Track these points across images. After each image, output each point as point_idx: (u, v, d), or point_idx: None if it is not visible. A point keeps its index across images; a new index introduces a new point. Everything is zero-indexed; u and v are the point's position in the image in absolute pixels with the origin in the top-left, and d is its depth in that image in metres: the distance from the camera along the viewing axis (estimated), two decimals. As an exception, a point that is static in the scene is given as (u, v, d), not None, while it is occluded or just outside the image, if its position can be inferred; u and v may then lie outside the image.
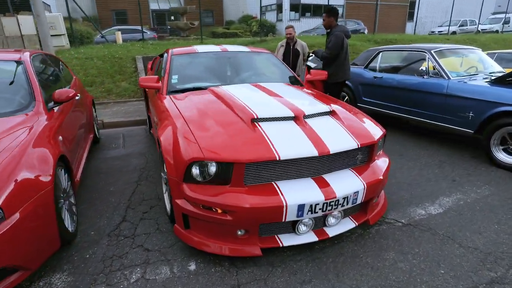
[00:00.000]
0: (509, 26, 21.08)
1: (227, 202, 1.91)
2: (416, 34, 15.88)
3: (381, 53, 5.24)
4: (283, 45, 5.29)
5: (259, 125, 2.15)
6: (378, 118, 5.58)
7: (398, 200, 2.92)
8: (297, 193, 1.95)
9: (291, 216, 1.95)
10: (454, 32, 19.90)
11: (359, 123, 2.39)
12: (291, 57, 5.13)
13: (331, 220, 2.17)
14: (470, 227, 2.49)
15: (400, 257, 2.15)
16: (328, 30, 4.25)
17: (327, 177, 2.09)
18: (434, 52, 4.40)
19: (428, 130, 5.02)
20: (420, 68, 4.42)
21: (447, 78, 4.14)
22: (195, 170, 1.99)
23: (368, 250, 2.23)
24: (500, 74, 4.01)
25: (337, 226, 2.22)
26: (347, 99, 5.75)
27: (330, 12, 4.17)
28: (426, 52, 4.46)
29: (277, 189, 1.97)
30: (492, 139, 3.67)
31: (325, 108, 2.42)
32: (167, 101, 2.86)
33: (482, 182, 3.27)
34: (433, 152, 4.14)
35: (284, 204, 1.90)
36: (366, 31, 17.49)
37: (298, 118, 2.21)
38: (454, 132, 4.08)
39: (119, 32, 13.43)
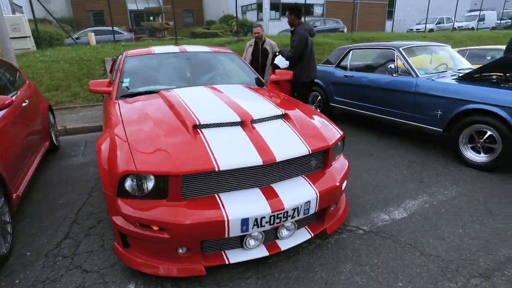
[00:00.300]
0: (484, 23, 21.57)
1: (163, 218, 1.73)
2: (394, 32, 16.01)
3: (351, 51, 5.13)
4: (251, 45, 5.12)
5: (201, 132, 1.97)
6: (351, 117, 5.52)
7: (363, 204, 2.79)
8: (241, 206, 1.78)
9: (234, 231, 1.77)
10: (431, 30, 20.22)
11: (314, 127, 2.23)
12: (260, 56, 4.97)
13: (283, 232, 2.01)
14: (434, 232, 2.38)
15: (357, 269, 2.01)
16: (292, 29, 4.11)
17: (277, 187, 1.93)
18: (403, 49, 4.32)
19: (400, 129, 4.94)
20: (389, 66, 4.32)
21: (415, 76, 4.06)
22: (129, 184, 1.80)
23: (324, 262, 2.08)
24: (468, 71, 3.95)
25: (291, 239, 2.06)
26: (320, 99, 5.64)
27: (292, 10, 4.03)
28: (394, 50, 4.37)
29: (219, 202, 1.79)
30: (461, 137, 3.60)
31: (277, 111, 2.25)
32: (114, 107, 2.64)
33: (450, 183, 3.18)
34: (404, 151, 4.05)
35: (226, 218, 1.72)
36: (345, 30, 17.55)
37: (245, 123, 2.04)
38: (424, 131, 4.00)
39: (92, 34, 13.00)
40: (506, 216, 2.58)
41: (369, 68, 4.92)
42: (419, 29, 20.05)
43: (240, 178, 1.87)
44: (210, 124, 2.02)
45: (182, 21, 27.35)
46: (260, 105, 2.35)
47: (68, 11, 24.48)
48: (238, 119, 2.06)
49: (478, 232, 2.37)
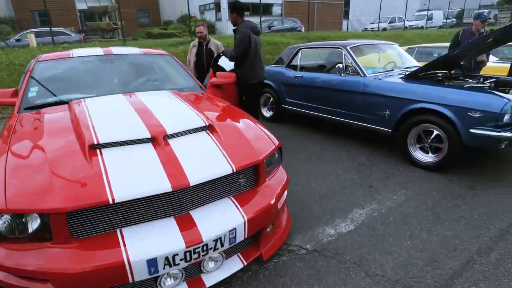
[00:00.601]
0: (432, 22, 22.73)
1: (44, 266, 1.36)
2: (349, 31, 16.33)
3: (301, 51, 4.95)
4: (195, 45, 4.77)
5: (100, 153, 1.62)
6: (304, 119, 5.34)
7: (308, 218, 2.56)
8: (146, 243, 1.45)
9: (140, 275, 1.45)
10: (384, 29, 20.94)
11: (244, 140, 1.95)
12: (204, 58, 4.64)
13: (209, 264, 1.71)
14: (381, 246, 2.20)
15: (295, 301, 1.76)
16: (235, 28, 3.82)
17: (196, 214, 1.63)
18: (350, 48, 4.19)
19: (353, 129, 4.84)
20: (337, 66, 4.18)
21: (363, 75, 3.93)
22: (4, 224, 1.42)
23: (259, 295, 1.81)
24: (414, 69, 3.88)
25: (219, 271, 1.77)
26: (272, 100, 5.42)
27: (233, 8, 3.74)
28: (342, 49, 4.23)
29: (120, 240, 1.45)
30: (409, 137, 3.51)
31: (200, 122, 1.95)
32: (11, 122, 2.21)
33: (399, 186, 3.06)
34: (354, 153, 3.91)
35: (126, 261, 1.39)
36: (303, 29, 17.65)
37: (157, 139, 1.72)
38: (374, 131, 3.89)
39: (32, 35, 11.91)
40: (453, 221, 2.47)
41: (318, 68, 4.77)
42: (373, 28, 20.68)
43: (147, 209, 1.54)
44: (112, 143, 1.67)
45: (137, 21, 26.20)
46: (181, 115, 2.03)
47: (9, 10, 22.52)
48: (148, 135, 1.72)
49: (426, 243, 2.22)
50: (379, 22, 18.80)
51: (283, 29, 16.52)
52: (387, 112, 3.65)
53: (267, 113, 5.62)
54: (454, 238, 2.27)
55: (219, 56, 4.04)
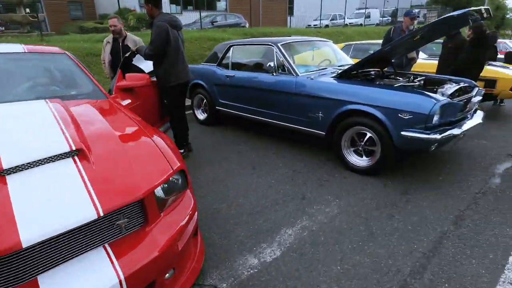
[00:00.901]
0: (369, 20, 23.81)
1: None
2: (292, 28, 16.36)
3: (232, 48, 4.58)
4: (109, 42, 4.15)
5: None
6: (242, 121, 4.96)
7: (229, 245, 2.20)
8: None
9: None
10: (327, 26, 21.43)
11: (126, 166, 1.50)
12: (121, 55, 4.04)
13: None
14: (307, 276, 1.90)
15: None
16: (152, 21, 3.31)
17: (46, 280, 1.16)
18: (282, 45, 3.89)
19: (293, 132, 4.60)
20: (268, 64, 3.87)
21: (295, 74, 3.67)
22: None
23: None
24: (347, 67, 3.70)
25: None
26: (205, 102, 4.98)
27: (148, -1, 3.24)
28: (273, 46, 3.93)
29: None
30: (343, 140, 3.31)
31: (62, 147, 1.46)
32: None
33: (333, 196, 2.83)
34: (291, 159, 3.64)
35: None
36: (247, 25, 17.33)
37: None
38: (309, 134, 3.65)
39: None
40: (387, 235, 2.27)
41: (251, 67, 4.43)
42: (316, 24, 21.04)
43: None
44: None
45: (69, 14, 23.92)
46: (38, 138, 1.52)
47: None
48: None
49: (357, 267, 1.97)
50: (320, 19, 19.15)
51: (227, 25, 16.04)
52: (320, 114, 3.42)
53: (201, 115, 5.17)
54: (387, 257, 2.05)
55: (133, 55, 3.49)
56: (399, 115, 2.80)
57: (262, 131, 4.64)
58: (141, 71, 3.48)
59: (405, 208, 2.63)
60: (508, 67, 5.66)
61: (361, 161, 3.25)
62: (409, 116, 2.74)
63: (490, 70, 5.12)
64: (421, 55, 6.28)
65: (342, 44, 7.47)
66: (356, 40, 13.85)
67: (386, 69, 4.12)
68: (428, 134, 2.70)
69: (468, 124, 3.02)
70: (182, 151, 3.66)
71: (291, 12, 26.95)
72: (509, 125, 4.99)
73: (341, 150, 3.34)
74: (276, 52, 3.88)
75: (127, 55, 3.42)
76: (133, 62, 3.53)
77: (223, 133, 4.67)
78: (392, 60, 4.05)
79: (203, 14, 15.98)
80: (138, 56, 3.53)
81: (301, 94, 3.53)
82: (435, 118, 2.70)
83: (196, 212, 1.77)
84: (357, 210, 2.60)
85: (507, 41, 11.99)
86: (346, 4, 19.80)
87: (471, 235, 2.27)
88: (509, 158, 3.63)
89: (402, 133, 2.81)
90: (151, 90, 3.40)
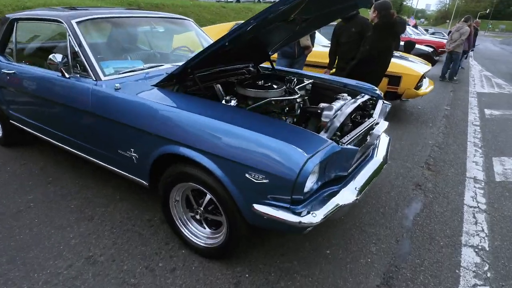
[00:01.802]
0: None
1: None
2: (194, 1, 14.30)
3: (17, 24, 2.71)
4: None
5: None
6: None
7: None
8: None
9: None
10: (238, 1, 19.77)
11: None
12: None
13: None
14: None
15: None
16: None
17: None
18: (78, 23, 2.20)
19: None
20: (50, 57, 2.17)
21: (94, 78, 2.06)
22: None
23: None
24: (179, 68, 2.20)
25: None
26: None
27: None
28: (63, 23, 2.22)
29: None
30: (171, 198, 1.89)
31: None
32: None
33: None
34: (107, 216, 2.10)
35: None
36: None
37: None
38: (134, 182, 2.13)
39: None
40: None
41: (40, 59, 2.66)
42: (226, -1, 19.24)
43: None
44: None
45: None
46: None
47: None
48: None
49: None
50: (229, -7, 17.45)
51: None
52: (132, 154, 1.91)
53: (-5, 132, 3.24)
54: None
55: None
56: (246, 175, 1.44)
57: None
58: None
59: None
60: (409, 58, 4.90)
61: (204, 236, 1.88)
62: (263, 180, 1.40)
63: (395, 63, 4.17)
64: (321, 41, 5.18)
65: (232, 23, 5.93)
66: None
67: (259, 66, 2.79)
68: (297, 211, 1.41)
69: (367, 171, 1.85)
70: None
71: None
72: (412, 131, 4.20)
73: (170, 213, 1.92)
74: (69, 35, 2.19)
75: None
76: None
77: (28, 159, 2.89)
78: (269, 53, 2.72)
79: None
80: None
81: (99, 115, 1.96)
82: (309, 184, 1.41)
83: None
84: None
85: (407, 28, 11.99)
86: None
87: None
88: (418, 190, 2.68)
89: (255, 206, 1.47)
90: None
